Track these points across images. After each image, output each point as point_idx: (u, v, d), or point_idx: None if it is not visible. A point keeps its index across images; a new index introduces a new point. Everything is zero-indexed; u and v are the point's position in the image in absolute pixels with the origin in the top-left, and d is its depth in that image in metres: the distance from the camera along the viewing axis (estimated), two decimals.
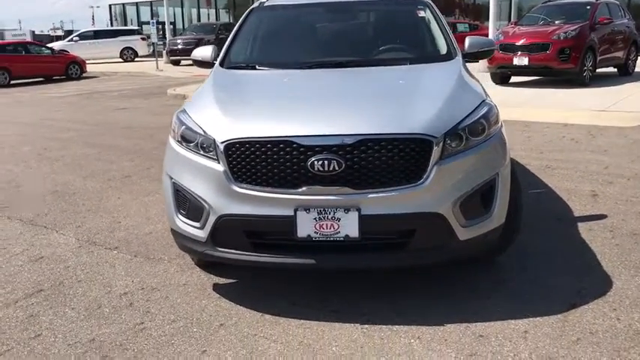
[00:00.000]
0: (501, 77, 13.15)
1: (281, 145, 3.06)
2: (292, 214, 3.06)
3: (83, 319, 3.34)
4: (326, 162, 2.99)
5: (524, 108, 9.89)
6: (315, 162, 3.00)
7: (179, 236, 3.48)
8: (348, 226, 3.06)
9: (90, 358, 2.95)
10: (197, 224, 3.30)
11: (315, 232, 3.08)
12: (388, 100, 3.44)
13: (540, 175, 5.95)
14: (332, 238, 3.08)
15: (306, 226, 3.07)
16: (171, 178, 3.45)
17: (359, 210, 3.03)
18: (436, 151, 3.07)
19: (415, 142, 3.05)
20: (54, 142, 8.68)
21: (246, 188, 3.13)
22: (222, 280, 3.76)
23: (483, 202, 3.28)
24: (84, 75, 22.66)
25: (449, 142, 3.12)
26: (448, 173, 3.12)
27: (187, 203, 3.36)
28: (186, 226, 3.38)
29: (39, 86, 19.97)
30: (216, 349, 2.98)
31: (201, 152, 3.27)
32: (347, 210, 3.03)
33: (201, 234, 3.29)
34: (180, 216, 3.42)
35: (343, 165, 3.00)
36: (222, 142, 3.16)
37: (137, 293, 3.63)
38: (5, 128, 10.36)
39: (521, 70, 12.68)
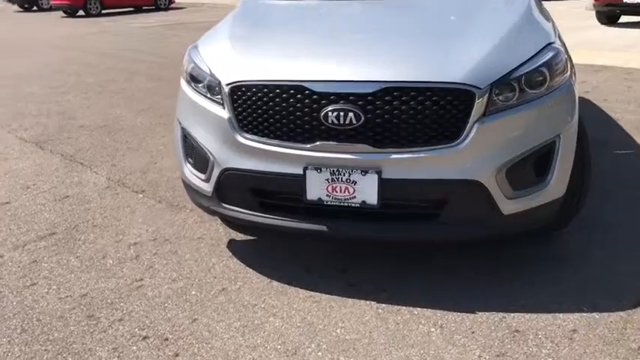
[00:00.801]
0: (608, 17, 11.76)
1: (291, 91, 2.60)
2: (301, 172, 2.63)
3: (84, 269, 3.12)
4: (342, 113, 2.51)
5: (630, 53, 8.74)
6: (330, 113, 2.52)
7: (188, 187, 3.14)
8: (366, 191, 2.59)
9: (75, 315, 2.71)
10: (203, 176, 2.94)
11: (327, 196, 2.63)
12: (426, 39, 2.85)
13: (633, 132, 5.12)
14: (346, 204, 2.63)
15: (316, 188, 2.63)
16: (180, 123, 3.09)
17: (379, 173, 2.55)
18: (479, 105, 2.50)
19: (452, 94, 2.49)
20: (120, 74, 8.59)
21: (252, 140, 2.71)
22: (239, 236, 3.42)
23: (537, 169, 2.69)
24: (172, 6, 22.71)
25: (497, 94, 2.54)
26: (493, 133, 2.55)
27: (194, 152, 3.00)
28: (193, 177, 3.03)
29: (127, 16, 20.20)
30: (208, 318, 2.66)
31: (208, 95, 2.87)
32: (364, 172, 2.56)
33: (207, 187, 2.93)
34: (188, 165, 3.08)
35: (362, 118, 2.50)
36: (228, 85, 2.74)
37: (147, 244, 3.37)
38: (79, 58, 10.42)
39: (633, 9, 11.24)
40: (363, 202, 2.60)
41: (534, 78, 2.61)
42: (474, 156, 2.54)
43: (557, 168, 2.71)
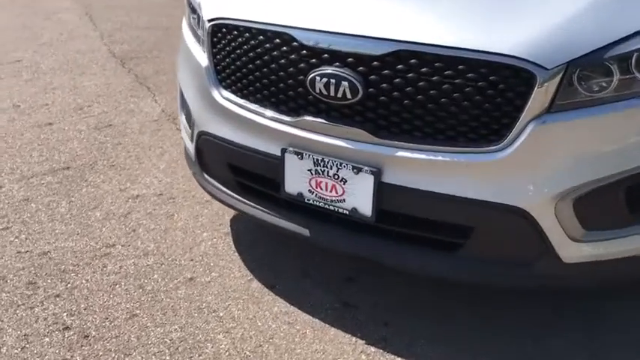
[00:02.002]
0: None
1: (276, 41, 1.85)
2: (279, 154, 1.91)
3: (65, 220, 2.72)
4: (332, 81, 1.72)
5: None
6: (317, 78, 1.75)
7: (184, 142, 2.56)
8: (358, 196, 1.82)
9: (17, 279, 2.32)
10: (190, 132, 2.34)
11: (309, 192, 1.90)
12: None
13: None
14: (332, 207, 1.88)
15: (297, 179, 1.91)
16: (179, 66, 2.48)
17: (376, 174, 1.75)
18: (540, 95, 1.57)
19: (497, 72, 1.59)
20: None
21: (229, 100, 2.03)
22: None
23: (634, 202, 1.71)
24: None
25: (580, 79, 1.58)
26: (561, 139, 1.63)
27: (184, 101, 2.39)
28: (183, 129, 2.45)
29: None
30: (149, 318, 2.12)
31: (197, 32, 2.21)
32: (357, 169, 1.78)
33: (191, 148, 2.34)
34: (182, 115, 2.49)
35: (360, 91, 1.70)
36: (209, 22, 2.05)
37: (148, 200, 2.88)
38: None
39: None
40: (354, 209, 1.84)
41: None
42: (523, 171, 1.64)
43: None
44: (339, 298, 2.22)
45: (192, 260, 2.44)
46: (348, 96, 1.72)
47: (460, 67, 1.61)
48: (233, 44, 1.97)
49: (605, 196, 1.67)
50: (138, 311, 2.15)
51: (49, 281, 2.31)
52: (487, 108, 1.61)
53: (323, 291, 2.25)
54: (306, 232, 1.99)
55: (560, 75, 1.56)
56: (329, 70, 1.73)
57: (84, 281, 2.31)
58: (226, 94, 2.03)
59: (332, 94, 1.74)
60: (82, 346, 2.00)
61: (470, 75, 1.60)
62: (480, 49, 1.58)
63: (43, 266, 2.39)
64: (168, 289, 2.26)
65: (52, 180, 3.06)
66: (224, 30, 1.99)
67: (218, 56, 2.03)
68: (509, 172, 1.64)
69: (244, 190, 2.15)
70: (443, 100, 1.64)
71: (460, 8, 1.70)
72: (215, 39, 2.03)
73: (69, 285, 2.28)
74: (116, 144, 3.47)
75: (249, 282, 2.30)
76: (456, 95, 1.62)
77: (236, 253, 2.48)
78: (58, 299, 2.21)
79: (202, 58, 2.10)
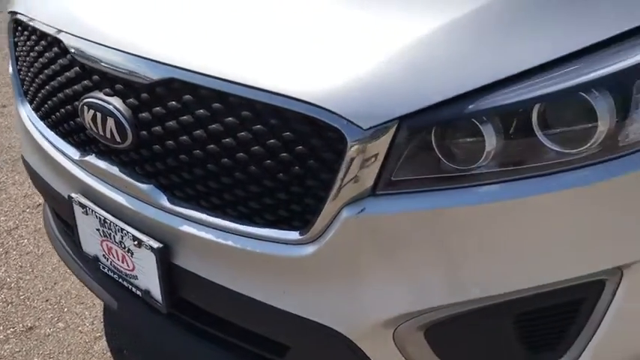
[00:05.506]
0: None
1: (55, 49, 1.34)
2: (67, 199, 1.41)
3: None
4: (99, 115, 1.19)
5: None
6: (85, 107, 1.22)
7: None
8: (147, 275, 1.29)
9: None
10: None
11: (104, 257, 1.40)
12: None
13: None
14: (127, 283, 1.37)
15: (90, 238, 1.41)
16: None
17: (160, 251, 1.21)
18: (356, 167, 0.96)
19: (293, 126, 0.99)
20: None
21: (30, 118, 1.55)
22: None
23: (535, 336, 1.09)
24: None
25: (439, 143, 0.95)
26: (397, 240, 1.01)
27: None
28: None
29: None
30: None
31: None
32: (139, 241, 1.24)
33: None
34: None
35: (129, 134, 1.16)
36: (10, 14, 1.57)
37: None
38: None
39: None
40: (147, 291, 1.31)
41: (560, 116, 0.94)
42: (338, 278, 1.05)
43: (598, 344, 1.06)
44: None
45: (46, 301, 2.01)
46: (117, 138, 1.18)
47: (244, 113, 1.02)
48: (25, 47, 1.47)
49: (481, 325, 1.05)
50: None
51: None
52: (281, 178, 1.02)
53: None
54: (113, 302, 1.48)
55: (389, 137, 0.94)
56: (96, 98, 1.19)
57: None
58: (28, 110, 1.54)
59: (101, 132, 1.20)
60: None
61: (256, 127, 1.01)
62: (265, 87, 0.98)
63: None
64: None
65: None
66: (19, 28, 1.50)
67: (19, 61, 1.54)
68: (318, 276, 1.05)
69: (63, 231, 1.67)
70: (224, 159, 1.07)
71: (269, 37, 1.07)
72: (15, 38, 1.54)
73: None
74: None
75: (95, 341, 1.85)
76: (240, 156, 1.04)
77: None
78: None
79: (11, 62, 1.62)
